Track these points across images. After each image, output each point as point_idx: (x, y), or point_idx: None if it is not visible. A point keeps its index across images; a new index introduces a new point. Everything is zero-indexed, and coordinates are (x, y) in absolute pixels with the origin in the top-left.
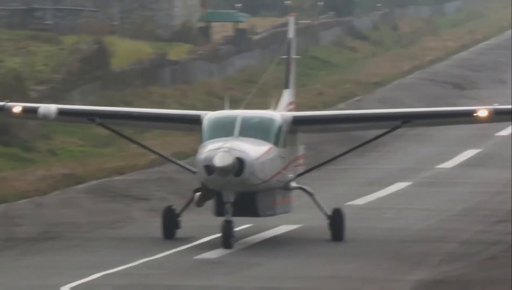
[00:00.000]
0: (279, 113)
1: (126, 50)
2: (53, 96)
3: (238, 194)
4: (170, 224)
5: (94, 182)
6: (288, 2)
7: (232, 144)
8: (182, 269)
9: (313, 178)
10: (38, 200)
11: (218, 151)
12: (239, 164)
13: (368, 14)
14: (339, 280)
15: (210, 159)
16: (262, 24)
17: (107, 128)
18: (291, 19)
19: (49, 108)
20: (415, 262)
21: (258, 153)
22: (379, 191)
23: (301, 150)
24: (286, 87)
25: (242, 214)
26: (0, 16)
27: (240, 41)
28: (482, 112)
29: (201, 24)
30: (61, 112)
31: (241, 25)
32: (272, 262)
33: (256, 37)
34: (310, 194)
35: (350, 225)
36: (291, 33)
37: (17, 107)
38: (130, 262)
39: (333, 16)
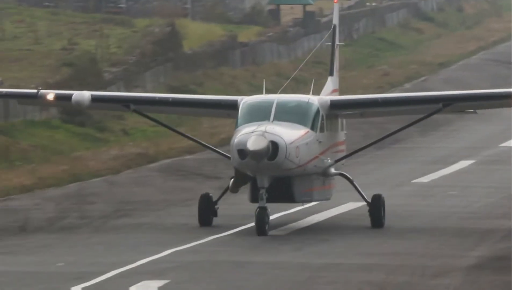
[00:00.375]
0: (316, 98)
1: (197, 33)
2: (126, 78)
3: (273, 179)
4: (207, 212)
5: (166, 161)
6: None
7: (266, 128)
8: (250, 246)
9: (379, 156)
10: (111, 179)
11: (251, 134)
12: (273, 147)
13: None
14: (403, 256)
15: (243, 143)
16: (329, 7)
17: (142, 114)
18: (336, 6)
19: (83, 95)
20: (478, 239)
21: (293, 137)
22: (443, 169)
23: (342, 136)
24: (330, 74)
25: (277, 200)
26: (75, 0)
27: (308, 23)
28: None
29: (271, 7)
30: (95, 99)
31: (310, 8)
32: (337, 239)
33: (324, 19)
34: (350, 181)
35: (415, 202)
36: (335, 19)
37: (50, 94)
38: (200, 239)
39: None
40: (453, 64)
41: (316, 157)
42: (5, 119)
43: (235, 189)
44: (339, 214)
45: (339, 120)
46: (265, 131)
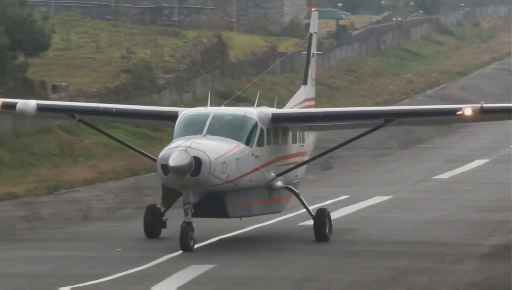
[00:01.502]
0: (256, 111)
1: (241, 43)
2: (177, 83)
3: (205, 194)
4: (155, 223)
5: None
6: (384, 1)
7: (192, 143)
8: (288, 234)
9: (403, 155)
10: None
11: (175, 149)
12: (196, 163)
13: (453, 13)
14: (424, 244)
15: (165, 158)
16: (360, 21)
17: (87, 124)
18: (314, 14)
19: (28, 104)
20: (491, 229)
21: (220, 153)
22: (461, 167)
23: (295, 148)
24: (304, 83)
25: (210, 215)
26: (133, 13)
27: (341, 35)
28: (467, 110)
29: (308, 21)
30: (40, 108)
31: (342, 22)
32: (366, 228)
33: (355, 32)
34: (296, 194)
35: (435, 196)
36: (312, 28)
37: None
38: (244, 228)
39: (423, 14)
40: (470, 73)
41: (252, 171)
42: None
43: (165, 202)
44: (367, 206)
45: (292, 133)
46: (189, 147)
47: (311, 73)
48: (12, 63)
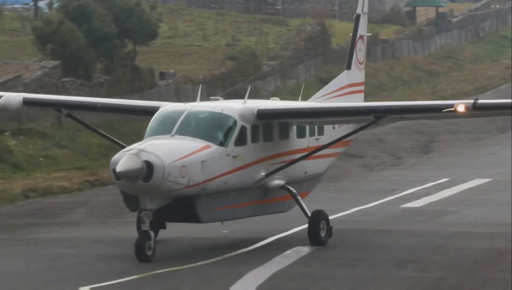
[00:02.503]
0: (239, 107)
1: (343, 31)
2: (281, 70)
3: (173, 198)
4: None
5: None
6: None
7: (146, 145)
8: (390, 216)
9: (503, 139)
10: None
11: (126, 153)
12: (148, 168)
13: None
14: None
15: (116, 162)
16: (459, 8)
17: (75, 119)
18: None
19: (12, 98)
20: None
21: (178, 155)
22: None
23: (310, 141)
24: (348, 67)
25: (180, 220)
26: (238, 2)
27: (441, 23)
28: (460, 107)
29: (408, 8)
30: (26, 102)
31: (442, 9)
32: (466, 210)
33: (454, 20)
34: (293, 195)
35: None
36: (360, 9)
37: None
38: (346, 210)
39: None
40: None
41: (227, 173)
42: None
43: (130, 207)
44: (467, 189)
45: (298, 127)
46: (142, 150)
47: (358, 56)
48: (121, 51)
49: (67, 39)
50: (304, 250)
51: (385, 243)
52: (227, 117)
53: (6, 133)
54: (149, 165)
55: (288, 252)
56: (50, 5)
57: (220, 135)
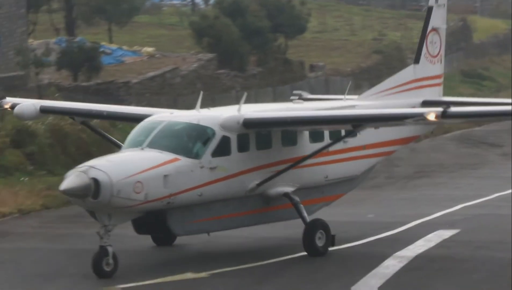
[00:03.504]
0: (220, 117)
1: (484, 27)
2: None
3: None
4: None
5: (458, 132)
6: None
7: (98, 162)
8: None
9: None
10: (412, 146)
11: (75, 170)
12: (96, 185)
13: None
14: None
15: (64, 179)
16: None
17: (89, 127)
18: None
19: (26, 107)
20: None
21: (132, 171)
22: None
23: (312, 148)
24: (416, 61)
25: (154, 233)
26: None
27: None
28: (430, 116)
29: None
30: (43, 110)
31: None
32: None
33: None
34: (293, 202)
35: None
36: (433, 1)
37: (7, 104)
38: (486, 196)
39: None
40: None
41: (203, 185)
42: None
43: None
44: None
45: (314, 132)
46: (92, 166)
47: (430, 49)
48: (273, 45)
49: (222, 33)
50: (446, 233)
51: None
52: (203, 128)
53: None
54: (96, 182)
55: (430, 235)
56: (206, 1)
57: (193, 147)
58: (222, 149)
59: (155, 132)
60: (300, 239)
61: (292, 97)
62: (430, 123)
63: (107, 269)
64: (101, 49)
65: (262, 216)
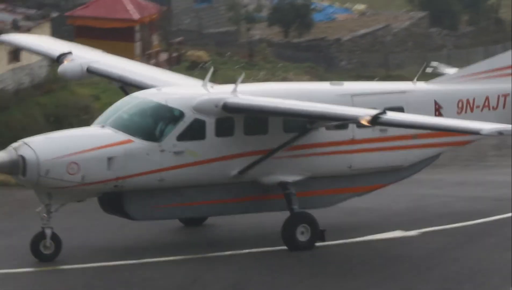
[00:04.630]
0: (194, 99)
1: None
2: None
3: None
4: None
5: None
6: None
7: (34, 138)
8: None
9: None
10: None
11: (10, 146)
12: (23, 163)
13: None
14: None
15: None
16: None
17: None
18: None
19: (70, 66)
20: None
21: (66, 151)
22: None
23: (328, 135)
24: None
25: (117, 214)
26: None
27: None
28: (362, 119)
29: None
30: (90, 70)
31: None
32: None
33: None
34: (285, 193)
35: None
36: None
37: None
38: None
39: None
40: None
41: (162, 169)
42: None
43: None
44: None
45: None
46: (26, 143)
47: None
48: (485, 4)
49: None
50: None
51: None
52: (169, 109)
53: (375, 80)
54: (23, 160)
55: None
56: None
57: (154, 129)
58: (193, 133)
59: (122, 110)
60: None
61: (428, 69)
62: (365, 125)
63: (45, 252)
64: (312, 6)
65: (255, 204)
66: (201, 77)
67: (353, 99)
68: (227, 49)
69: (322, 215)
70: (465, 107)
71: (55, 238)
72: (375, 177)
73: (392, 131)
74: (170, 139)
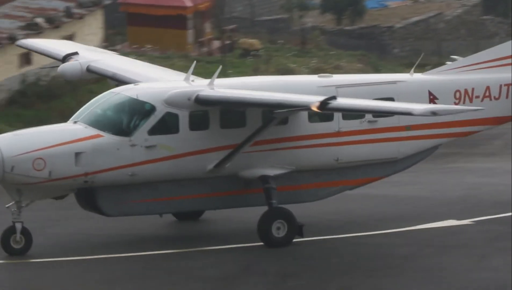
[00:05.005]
0: (166, 92)
1: None
2: None
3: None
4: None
5: None
6: None
7: (0, 136)
8: None
9: None
10: None
11: None
12: None
13: None
14: None
15: None
16: None
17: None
18: None
19: (69, 66)
20: None
21: (30, 147)
22: None
23: (311, 128)
24: None
25: (91, 210)
26: None
27: None
28: (313, 105)
29: None
30: (89, 70)
31: None
32: None
33: None
34: (265, 187)
35: None
36: None
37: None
38: None
39: None
40: None
41: (134, 164)
42: None
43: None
44: None
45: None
46: None
47: None
48: None
49: None
50: None
51: None
52: (140, 103)
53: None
54: None
55: None
56: None
57: (124, 124)
58: (166, 126)
59: (96, 105)
60: None
61: (447, 62)
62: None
63: (15, 246)
64: None
65: (234, 199)
66: (254, 65)
67: (337, 90)
68: (279, 36)
69: (370, 203)
70: (463, 97)
71: (25, 232)
72: (366, 170)
73: (382, 123)
74: (141, 134)
